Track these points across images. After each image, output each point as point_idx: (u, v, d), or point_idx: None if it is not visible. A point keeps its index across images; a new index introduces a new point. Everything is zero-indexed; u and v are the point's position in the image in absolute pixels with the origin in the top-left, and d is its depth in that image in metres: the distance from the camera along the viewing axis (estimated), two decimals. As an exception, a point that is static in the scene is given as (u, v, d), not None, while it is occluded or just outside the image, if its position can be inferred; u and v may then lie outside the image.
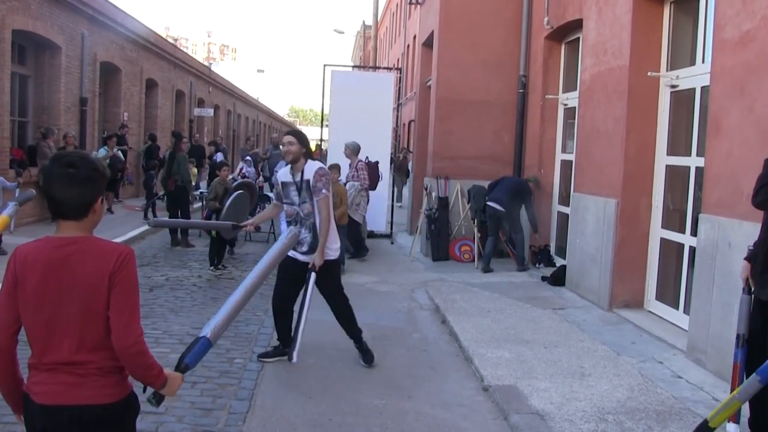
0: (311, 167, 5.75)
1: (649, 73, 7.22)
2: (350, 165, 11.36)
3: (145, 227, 13.64)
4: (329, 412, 4.95)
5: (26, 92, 14.43)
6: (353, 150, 11.45)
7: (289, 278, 5.96)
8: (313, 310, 7.99)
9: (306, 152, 5.78)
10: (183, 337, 6.69)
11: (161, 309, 7.80)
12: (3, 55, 12.08)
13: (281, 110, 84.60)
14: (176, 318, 7.45)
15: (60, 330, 2.40)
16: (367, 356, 6.03)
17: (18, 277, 2.41)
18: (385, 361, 6.13)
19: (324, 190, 5.69)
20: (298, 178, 5.77)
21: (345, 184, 10.64)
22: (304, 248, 5.78)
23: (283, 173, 5.94)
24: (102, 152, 15.14)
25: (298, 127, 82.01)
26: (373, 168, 11.87)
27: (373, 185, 11.90)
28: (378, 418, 4.85)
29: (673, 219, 7.36)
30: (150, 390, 2.60)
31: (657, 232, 7.51)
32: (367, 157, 11.91)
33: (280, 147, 12.09)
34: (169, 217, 12.37)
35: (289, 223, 5.90)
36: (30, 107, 14.58)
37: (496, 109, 11.37)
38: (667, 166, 7.39)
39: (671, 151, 7.33)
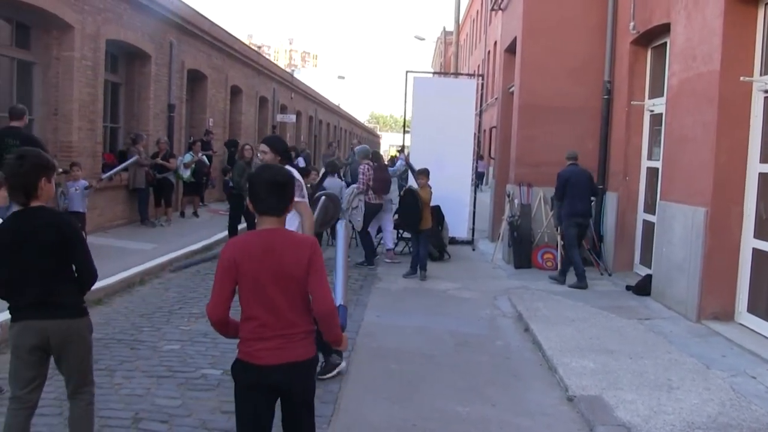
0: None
1: (741, 78, 7.02)
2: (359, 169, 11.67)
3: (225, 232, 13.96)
4: (413, 417, 4.99)
5: (117, 99, 14.96)
6: (359, 154, 12.29)
7: None
8: (394, 314, 8.13)
9: (281, 160, 5.57)
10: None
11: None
12: (98, 64, 12.60)
13: (361, 116, 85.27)
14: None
15: (275, 306, 3.11)
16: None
17: (237, 263, 3.09)
18: (468, 368, 6.14)
19: (299, 198, 5.08)
20: None
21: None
22: None
23: None
24: (188, 157, 15.62)
25: (379, 133, 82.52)
26: (382, 171, 11.78)
27: (382, 189, 11.61)
28: (461, 425, 4.87)
29: (766, 229, 7.13)
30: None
31: (749, 242, 7.29)
32: (375, 162, 11.82)
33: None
34: (229, 224, 12.52)
35: None
36: (121, 114, 15.10)
37: (579, 116, 11.22)
38: (760, 174, 7.16)
39: (764, 158, 7.11)
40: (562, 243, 10.82)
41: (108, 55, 13.64)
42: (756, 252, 7.23)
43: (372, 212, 11.36)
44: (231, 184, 12.99)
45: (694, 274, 7.59)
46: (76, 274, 3.73)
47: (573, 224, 9.95)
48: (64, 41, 11.64)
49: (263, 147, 5.75)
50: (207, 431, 4.66)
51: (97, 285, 8.19)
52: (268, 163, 4.44)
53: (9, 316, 3.70)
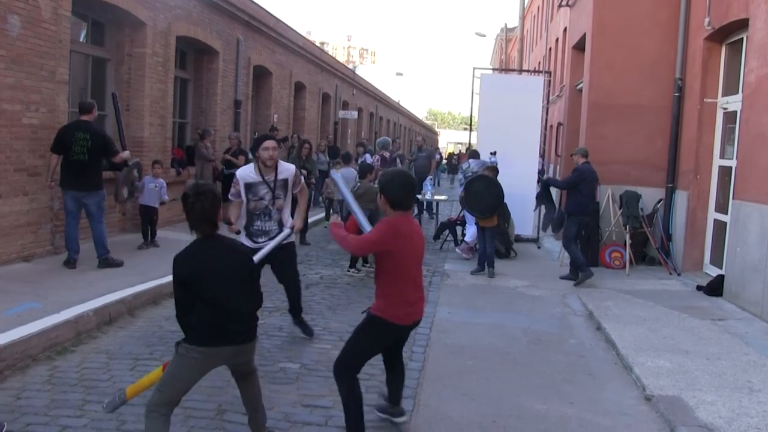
0: (286, 168, 6.52)
1: (825, 78, 6.90)
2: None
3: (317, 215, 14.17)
4: (492, 414, 5.06)
5: (186, 95, 15.24)
6: (381, 146, 14.10)
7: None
8: (465, 311, 8.19)
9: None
10: (342, 334, 6.95)
11: (318, 306, 8.14)
12: (168, 60, 12.84)
13: (419, 113, 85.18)
14: (333, 315, 7.77)
15: (416, 278, 4.36)
16: (306, 329, 6.87)
17: (396, 240, 4.14)
18: (544, 366, 6.18)
19: (299, 185, 6.66)
20: (270, 178, 6.39)
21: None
22: (271, 236, 6.44)
23: (247, 175, 6.42)
24: (250, 154, 15.86)
25: (437, 130, 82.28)
26: (390, 163, 11.91)
27: None
28: (542, 423, 4.93)
29: None
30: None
31: (829, 244, 7.17)
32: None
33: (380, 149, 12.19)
34: None
35: (257, 216, 6.48)
36: (189, 109, 15.38)
37: (649, 113, 11.12)
38: (842, 174, 7.04)
39: None
40: (630, 242, 10.76)
41: (178, 52, 13.87)
42: (837, 254, 7.11)
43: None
44: None
45: (771, 275, 7.50)
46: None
47: (577, 222, 10.00)
48: (137, 38, 11.91)
49: (273, 143, 6.37)
50: (289, 423, 4.77)
51: (170, 278, 8.51)
52: (401, 169, 5.27)
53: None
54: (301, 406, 5.07)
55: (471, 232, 12.00)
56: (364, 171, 10.69)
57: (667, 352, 6.45)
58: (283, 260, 6.54)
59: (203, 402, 5.05)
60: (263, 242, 6.38)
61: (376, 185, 10.53)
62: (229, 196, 6.63)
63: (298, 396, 5.26)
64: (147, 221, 10.62)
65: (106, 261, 8.85)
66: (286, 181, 6.48)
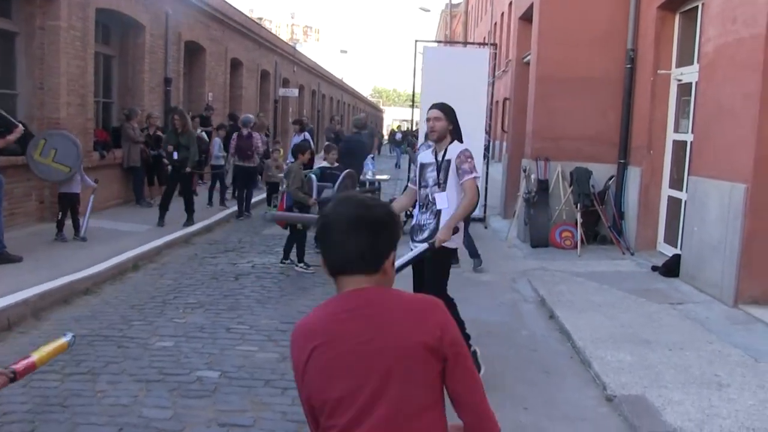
0: (455, 148, 5.12)
1: (792, 43, 6.40)
2: None
3: (229, 211, 13.44)
4: (438, 423, 4.47)
5: (111, 73, 14.32)
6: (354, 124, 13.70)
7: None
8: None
9: (453, 129, 5.15)
10: (272, 333, 6.31)
11: (247, 300, 7.46)
12: (87, 34, 11.92)
13: (364, 91, 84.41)
14: (263, 310, 7.09)
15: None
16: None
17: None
18: (495, 364, 5.60)
19: (473, 173, 5.03)
20: (440, 158, 5.15)
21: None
22: (425, 234, 5.17)
23: (426, 154, 5.38)
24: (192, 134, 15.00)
25: (382, 107, 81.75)
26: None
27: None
28: (493, 433, 4.34)
29: (814, 207, 6.57)
30: None
31: (794, 222, 6.72)
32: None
33: (396, 128, 11.34)
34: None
35: (420, 207, 5.35)
36: (114, 88, 14.47)
37: (601, 87, 10.59)
38: (808, 147, 6.58)
39: (813, 131, 6.52)
40: (581, 221, 10.29)
41: (99, 26, 13.01)
42: (802, 232, 6.67)
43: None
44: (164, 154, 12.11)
45: (731, 255, 7.03)
46: None
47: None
48: (50, 10, 10.90)
49: (435, 112, 5.14)
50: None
51: (86, 273, 7.77)
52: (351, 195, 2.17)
53: None
54: (216, 425, 4.38)
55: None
56: (296, 151, 9.83)
57: (626, 342, 5.93)
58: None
59: (101, 426, 4.32)
60: (418, 242, 5.21)
61: (310, 171, 9.79)
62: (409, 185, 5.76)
63: (213, 413, 4.57)
64: (67, 210, 9.70)
65: (2, 256, 7.94)
66: (449, 163, 5.11)
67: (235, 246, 10.59)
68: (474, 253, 9.06)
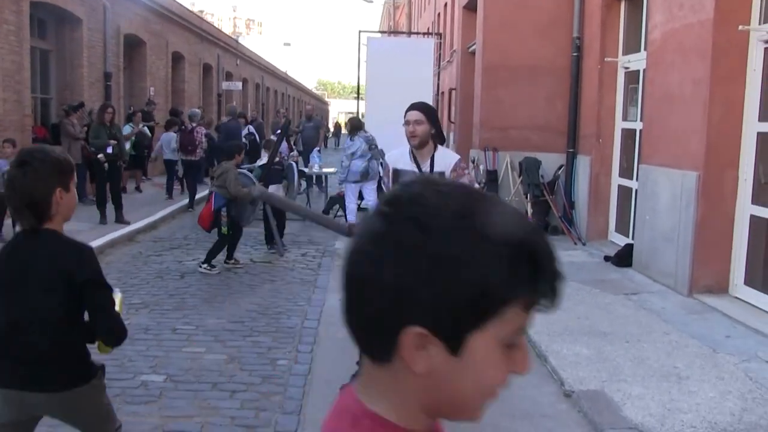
0: (445, 157, 4.51)
1: (740, 27, 6.32)
2: None
3: (174, 207, 13.06)
4: (392, 428, 4.26)
5: (48, 68, 13.89)
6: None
7: None
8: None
9: (436, 134, 4.50)
10: (219, 333, 6.05)
11: (193, 299, 7.17)
12: (22, 29, 11.54)
13: (309, 83, 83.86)
14: (210, 310, 6.81)
15: None
16: None
17: None
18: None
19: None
20: (425, 168, 4.44)
21: None
22: None
23: (400, 158, 4.60)
24: (127, 129, 14.52)
25: (327, 100, 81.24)
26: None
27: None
28: (450, 436, 4.15)
29: (765, 194, 6.52)
30: None
31: (746, 209, 6.66)
32: None
33: (364, 131, 11.24)
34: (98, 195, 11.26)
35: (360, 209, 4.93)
36: (53, 83, 14.04)
37: (548, 75, 10.52)
38: (759, 133, 6.52)
39: (764, 116, 6.47)
40: (532, 211, 10.19)
41: (35, 20, 12.59)
42: (754, 219, 6.63)
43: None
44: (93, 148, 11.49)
45: (685, 244, 6.97)
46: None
47: None
48: (-21, 4, 10.49)
49: (416, 115, 4.41)
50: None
51: None
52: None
53: None
54: (163, 432, 4.13)
55: (351, 209, 11.22)
56: (229, 150, 9.02)
57: (583, 335, 5.80)
58: None
59: None
60: None
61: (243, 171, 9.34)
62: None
63: (160, 419, 4.34)
64: (4, 211, 9.15)
65: None
66: (442, 175, 4.35)
67: (181, 243, 10.24)
68: None
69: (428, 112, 4.52)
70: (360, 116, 13.39)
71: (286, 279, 8.23)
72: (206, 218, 8.39)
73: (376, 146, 10.72)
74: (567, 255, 9.19)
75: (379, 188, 10.53)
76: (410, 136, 4.41)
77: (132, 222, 11.06)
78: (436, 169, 4.40)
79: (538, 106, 10.56)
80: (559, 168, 10.54)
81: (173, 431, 4.15)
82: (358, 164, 11.27)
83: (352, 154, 11.09)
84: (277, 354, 5.55)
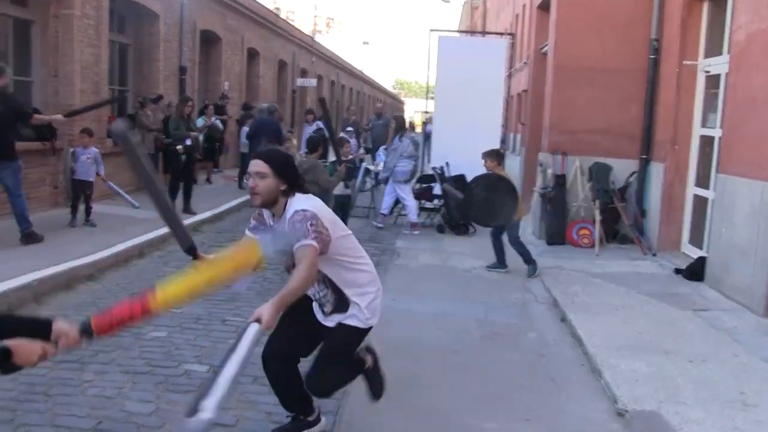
0: (294, 208, 3.46)
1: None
2: None
3: (241, 199, 13.15)
4: (429, 436, 4.06)
5: (125, 61, 14.22)
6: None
7: (302, 328, 3.83)
8: (413, 298, 7.17)
9: (287, 189, 3.51)
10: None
11: (247, 292, 7.09)
12: (101, 23, 11.81)
13: (386, 83, 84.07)
14: (262, 302, 6.69)
15: None
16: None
17: None
18: (497, 369, 5.17)
19: (312, 238, 3.30)
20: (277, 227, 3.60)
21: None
22: (327, 308, 3.75)
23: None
24: (200, 122, 14.72)
25: (403, 99, 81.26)
26: None
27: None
28: (490, 450, 3.92)
29: None
30: None
31: (830, 224, 6.19)
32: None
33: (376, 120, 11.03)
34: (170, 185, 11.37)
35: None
36: (129, 76, 14.36)
37: (622, 78, 10.08)
38: None
39: None
40: (600, 219, 9.79)
41: (115, 15, 12.95)
42: (839, 235, 6.14)
43: None
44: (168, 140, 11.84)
45: (763, 259, 6.50)
46: None
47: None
48: (63, -2, 10.80)
49: (258, 165, 3.50)
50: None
51: (89, 259, 7.57)
52: None
53: None
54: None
55: (411, 206, 11.30)
56: (313, 144, 8.90)
57: (643, 351, 5.46)
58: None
59: (80, 418, 4.09)
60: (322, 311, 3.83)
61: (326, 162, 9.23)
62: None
63: (198, 409, 4.23)
64: (80, 197, 9.56)
65: (29, 236, 8.11)
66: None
67: (238, 235, 10.23)
68: (528, 259, 8.45)
69: (275, 161, 3.51)
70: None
71: (341, 276, 8.10)
72: None
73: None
74: (635, 265, 8.80)
75: None
76: (251, 193, 3.54)
77: (198, 213, 11.21)
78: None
79: (611, 110, 10.15)
80: (631, 174, 10.11)
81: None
82: (407, 165, 11.20)
83: (401, 155, 11.10)
84: (320, 353, 5.40)
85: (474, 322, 6.37)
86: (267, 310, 3.09)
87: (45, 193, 10.49)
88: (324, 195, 8.35)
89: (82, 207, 9.58)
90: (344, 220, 9.60)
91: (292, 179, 3.55)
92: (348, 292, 3.66)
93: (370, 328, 3.78)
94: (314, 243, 3.29)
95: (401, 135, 11.55)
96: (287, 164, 3.59)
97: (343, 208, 9.69)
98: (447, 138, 11.67)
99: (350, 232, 3.75)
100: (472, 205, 8.74)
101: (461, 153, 10.68)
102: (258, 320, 3.08)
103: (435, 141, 12.37)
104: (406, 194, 11.34)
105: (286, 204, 3.52)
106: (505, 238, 8.53)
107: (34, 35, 10.74)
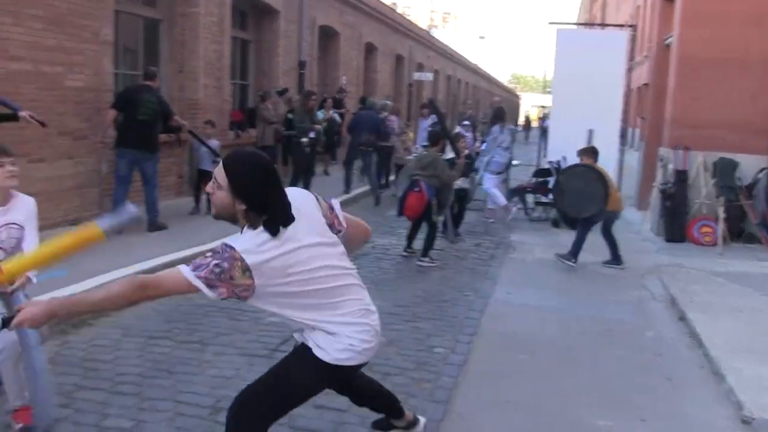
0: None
1: None
2: None
3: (358, 190, 13.42)
4: (540, 430, 4.09)
5: (247, 56, 14.73)
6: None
7: None
8: (528, 292, 7.17)
9: (249, 212, 2.76)
10: (383, 316, 5.96)
11: (365, 281, 7.23)
12: (224, 20, 12.30)
13: (503, 77, 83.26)
14: (378, 292, 6.86)
15: None
16: None
17: None
18: (612, 366, 5.13)
19: (184, 268, 2.69)
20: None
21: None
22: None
23: None
24: (319, 115, 15.12)
25: (519, 94, 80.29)
26: None
27: None
28: (602, 447, 3.92)
29: None
30: None
31: None
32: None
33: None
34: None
35: None
36: (250, 71, 14.85)
37: (756, 70, 9.65)
38: None
39: None
40: (724, 216, 9.45)
41: (236, 12, 13.41)
42: None
43: None
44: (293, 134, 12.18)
45: None
46: None
47: None
48: (189, -3, 11.37)
49: (217, 171, 2.76)
50: (292, 430, 3.91)
51: (209, 246, 7.93)
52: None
53: None
54: (312, 407, 4.15)
55: (499, 198, 11.51)
56: (434, 137, 9.02)
57: (769, 355, 5.28)
58: None
59: (201, 396, 4.33)
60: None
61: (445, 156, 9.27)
62: None
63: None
64: (202, 186, 10.06)
65: (156, 224, 8.70)
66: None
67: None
68: (615, 255, 8.37)
69: (235, 173, 2.72)
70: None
71: (456, 268, 8.19)
72: (416, 208, 8.18)
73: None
74: (762, 266, 8.46)
75: None
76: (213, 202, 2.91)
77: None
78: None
79: (738, 103, 9.74)
80: (760, 171, 9.68)
81: (322, 406, 4.15)
82: (503, 156, 11.19)
83: (498, 145, 11.15)
84: (435, 341, 5.50)
85: (589, 318, 6.32)
86: (38, 308, 2.59)
87: (171, 182, 11.05)
88: (445, 188, 8.49)
89: (204, 196, 10.03)
90: (461, 214, 9.85)
91: (251, 201, 2.72)
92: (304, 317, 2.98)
93: (342, 368, 2.98)
94: (189, 274, 2.65)
95: (501, 125, 11.63)
96: (250, 181, 2.70)
97: (461, 201, 9.82)
98: (564, 132, 11.51)
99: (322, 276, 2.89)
100: (562, 196, 8.72)
101: (579, 146, 10.55)
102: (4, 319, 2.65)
103: (552, 135, 12.24)
104: (491, 184, 11.48)
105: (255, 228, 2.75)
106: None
107: (161, 33, 11.29)
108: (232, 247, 2.67)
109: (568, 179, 8.72)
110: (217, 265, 2.64)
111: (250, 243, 2.70)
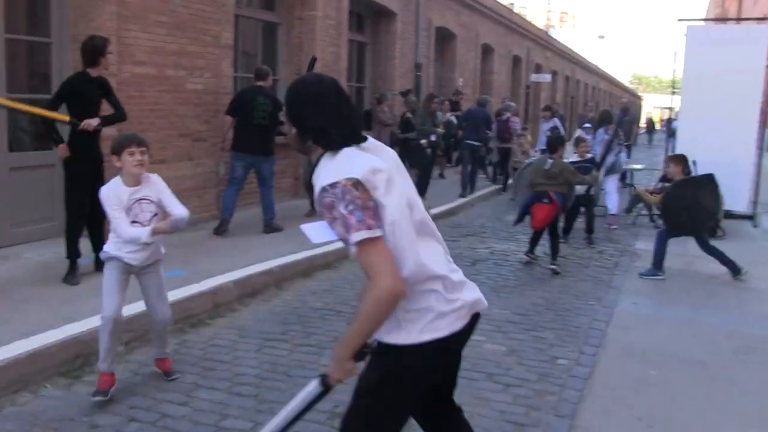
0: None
1: None
2: None
3: (475, 195, 13.26)
4: (676, 451, 3.85)
5: (364, 59, 14.88)
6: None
7: None
8: (655, 302, 6.82)
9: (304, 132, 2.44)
10: (502, 324, 5.91)
11: (482, 288, 7.07)
12: (341, 23, 12.46)
13: (624, 77, 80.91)
14: (497, 299, 6.72)
15: None
16: None
17: None
18: (752, 386, 4.76)
19: (360, 231, 2.20)
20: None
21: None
22: None
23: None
24: (438, 117, 15.09)
25: (640, 94, 77.78)
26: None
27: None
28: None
29: None
30: None
31: None
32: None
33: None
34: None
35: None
36: (367, 73, 14.99)
37: None
38: None
39: None
40: None
41: (353, 15, 13.56)
42: None
43: None
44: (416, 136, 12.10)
45: None
46: None
47: None
48: (307, 1, 11.49)
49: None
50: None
51: (329, 247, 8.03)
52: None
53: None
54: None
55: (615, 199, 11.16)
56: (553, 144, 8.54)
57: None
58: None
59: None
60: None
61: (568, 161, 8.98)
62: None
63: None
64: None
65: (271, 226, 8.78)
66: None
67: (477, 231, 10.38)
68: (725, 261, 7.84)
69: (287, 106, 2.48)
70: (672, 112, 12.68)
71: (578, 276, 7.90)
72: (547, 220, 7.97)
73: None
74: None
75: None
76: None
77: (432, 207, 11.46)
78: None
79: None
80: None
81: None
82: (610, 157, 10.79)
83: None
84: (558, 352, 5.29)
85: (723, 332, 5.93)
86: (334, 368, 2.45)
87: (286, 184, 11.23)
88: (570, 194, 8.28)
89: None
90: (591, 221, 9.59)
91: (305, 130, 2.43)
92: None
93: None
94: (365, 235, 2.21)
95: (606, 128, 11.50)
96: (298, 109, 2.41)
97: (586, 206, 9.57)
98: (694, 135, 10.96)
99: None
100: (671, 212, 8.13)
101: (711, 152, 10.01)
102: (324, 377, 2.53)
103: (680, 138, 11.66)
104: (613, 188, 11.21)
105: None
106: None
107: (279, 36, 11.50)
108: (331, 184, 2.21)
109: (681, 192, 8.03)
110: (346, 207, 2.19)
111: (335, 168, 2.27)
